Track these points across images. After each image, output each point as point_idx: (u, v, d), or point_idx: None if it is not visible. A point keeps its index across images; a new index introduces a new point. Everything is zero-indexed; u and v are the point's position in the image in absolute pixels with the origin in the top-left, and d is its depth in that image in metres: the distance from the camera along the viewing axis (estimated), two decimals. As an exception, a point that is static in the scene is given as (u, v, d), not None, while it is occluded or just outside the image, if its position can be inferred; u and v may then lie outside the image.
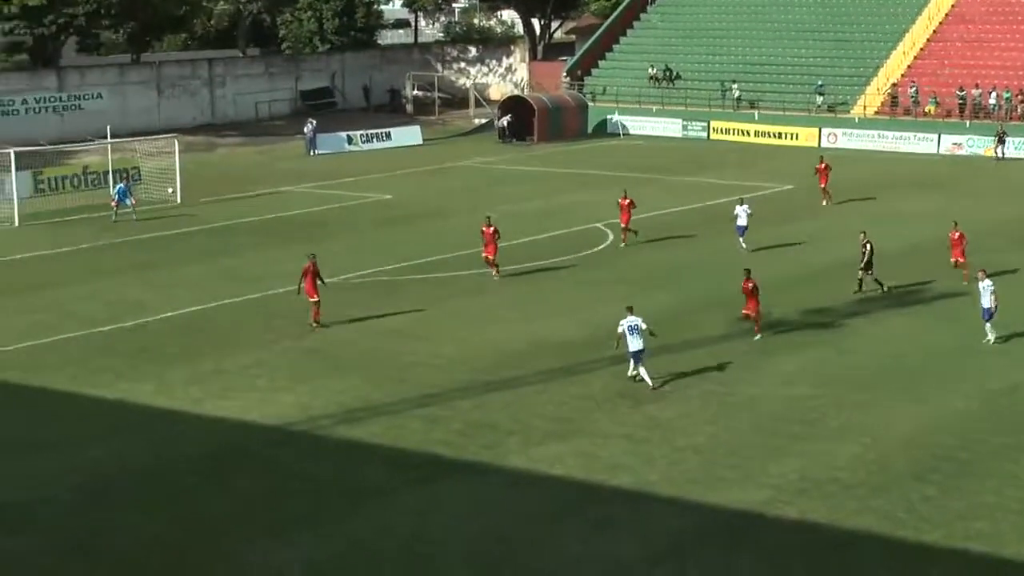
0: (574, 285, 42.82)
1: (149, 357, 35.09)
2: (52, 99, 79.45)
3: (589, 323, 37.81)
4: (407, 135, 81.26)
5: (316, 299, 37.49)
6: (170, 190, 59.56)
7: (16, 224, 54.20)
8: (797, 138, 78.30)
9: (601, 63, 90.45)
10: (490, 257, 43.15)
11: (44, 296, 42.00)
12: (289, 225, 54.19)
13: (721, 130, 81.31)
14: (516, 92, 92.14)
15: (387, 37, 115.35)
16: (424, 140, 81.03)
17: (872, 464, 27.11)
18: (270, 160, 74.23)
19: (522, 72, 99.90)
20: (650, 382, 31.89)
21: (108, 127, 64.18)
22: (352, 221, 55.03)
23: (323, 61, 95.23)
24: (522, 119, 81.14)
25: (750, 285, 35.93)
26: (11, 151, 56.11)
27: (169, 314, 39.50)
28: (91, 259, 47.77)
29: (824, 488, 25.84)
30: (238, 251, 48.42)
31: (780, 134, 79.09)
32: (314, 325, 37.43)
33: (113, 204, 54.89)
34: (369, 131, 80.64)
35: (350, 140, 78.94)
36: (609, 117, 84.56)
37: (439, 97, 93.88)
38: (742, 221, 47.27)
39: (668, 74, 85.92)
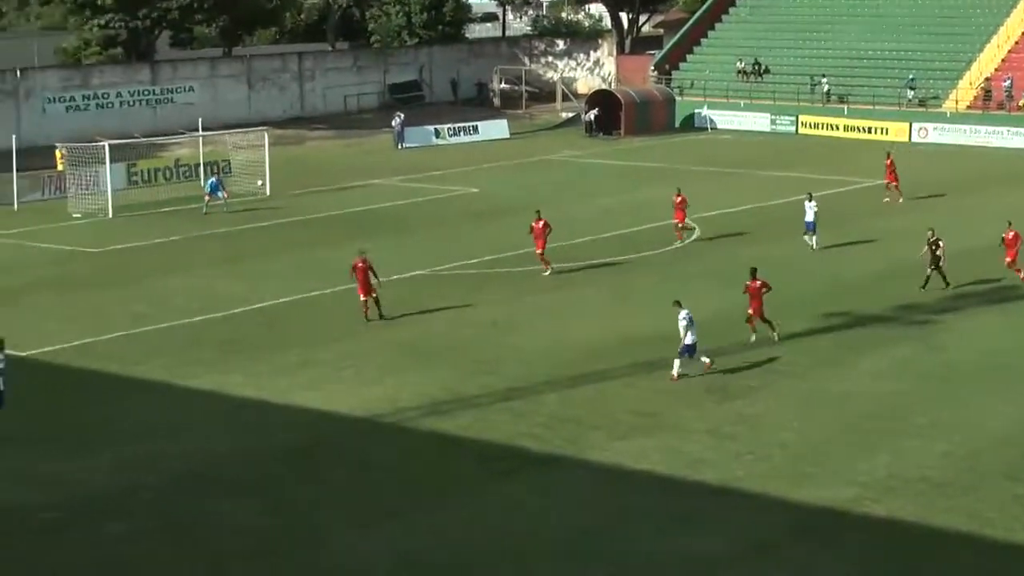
0: (661, 280, 42.75)
1: (238, 348, 35.54)
2: (146, 92, 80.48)
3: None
4: (494, 129, 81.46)
5: (365, 299, 37.48)
6: (260, 183, 60.19)
7: (110, 216, 55.04)
8: (887, 133, 77.49)
9: (689, 57, 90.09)
10: (540, 253, 42.88)
11: (138, 287, 42.64)
12: (377, 218, 54.57)
13: (810, 124, 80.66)
14: (603, 86, 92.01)
15: (475, 31, 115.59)
16: (511, 134, 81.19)
17: (962, 462, 26.85)
18: (358, 153, 74.75)
19: (610, 66, 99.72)
20: (675, 373, 32.01)
21: (200, 120, 64.99)
22: (439, 214, 55.29)
23: (411, 55, 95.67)
24: (609, 113, 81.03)
25: (756, 284, 34.97)
26: (105, 144, 57.01)
27: (258, 305, 39.96)
28: (183, 251, 48.42)
29: (913, 486, 25.64)
30: (327, 243, 48.83)
31: (870, 129, 78.32)
32: (374, 319, 37.52)
33: (205, 197, 55.60)
34: (456, 125, 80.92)
35: (437, 133, 79.28)
36: (696, 111, 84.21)
37: (526, 91, 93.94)
38: (809, 217, 46.51)
39: (756, 68, 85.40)
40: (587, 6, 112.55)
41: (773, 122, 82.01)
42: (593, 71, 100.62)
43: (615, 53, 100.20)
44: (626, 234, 49.47)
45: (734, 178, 63.66)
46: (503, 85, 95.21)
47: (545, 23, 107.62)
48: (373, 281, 37.61)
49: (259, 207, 56.94)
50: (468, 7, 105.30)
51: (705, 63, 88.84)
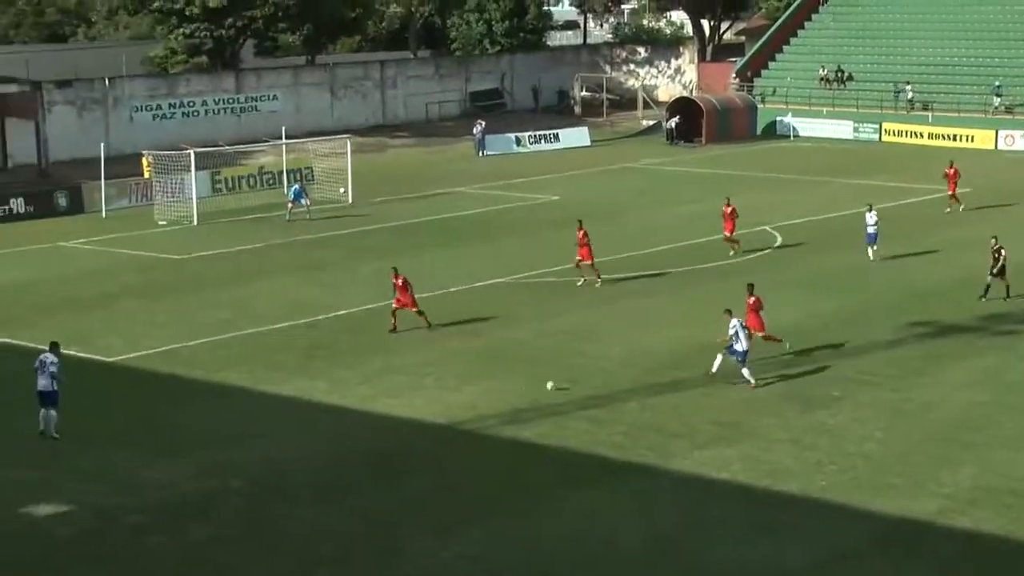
0: (742, 288, 42.48)
1: (321, 355, 35.84)
2: (230, 100, 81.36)
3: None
4: (575, 136, 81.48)
5: (399, 309, 37.47)
6: (342, 190, 60.64)
7: (195, 223, 55.69)
8: (973, 140, 76.64)
9: (771, 64, 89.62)
10: (585, 261, 42.62)
11: (223, 294, 43.13)
12: (458, 225, 54.80)
13: (893, 132, 79.94)
14: (685, 93, 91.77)
15: (556, 39, 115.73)
16: (592, 141, 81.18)
17: (1049, 475, 26.53)
18: (439, 161, 75.09)
19: (691, 73, 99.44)
20: (752, 381, 32.07)
21: (283, 128, 65.61)
22: (520, 222, 55.42)
23: (492, 62, 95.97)
24: (690, 121, 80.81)
25: (751, 301, 34.41)
26: (191, 152, 57.70)
27: (341, 312, 40.27)
28: (266, 258, 48.89)
29: (999, 498, 25.35)
30: (408, 251, 49.10)
31: (955, 136, 77.47)
32: (428, 326, 37.65)
33: (288, 204, 56.11)
34: (537, 132, 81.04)
35: (518, 141, 79.43)
36: (778, 119, 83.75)
37: (607, 98, 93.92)
38: (871, 229, 45.79)
39: (839, 75, 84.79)
40: (669, 13, 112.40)
41: (856, 130, 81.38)
42: (674, 78, 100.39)
43: (696, 60, 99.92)
44: (706, 242, 49.26)
45: (816, 186, 63.25)
46: (584, 93, 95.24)
47: (626, 30, 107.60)
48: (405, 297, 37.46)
49: (341, 214, 57.36)
50: (549, 15, 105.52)
51: (787, 70, 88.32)
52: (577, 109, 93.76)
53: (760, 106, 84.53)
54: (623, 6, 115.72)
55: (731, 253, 47.02)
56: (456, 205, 59.65)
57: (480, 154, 76.99)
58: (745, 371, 32.19)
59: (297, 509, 25.56)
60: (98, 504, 25.81)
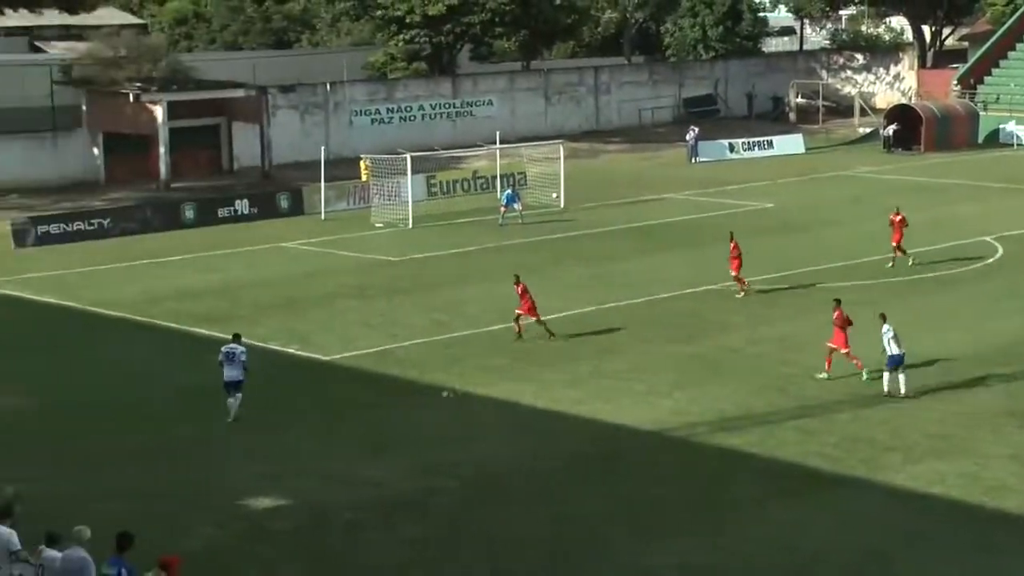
0: (963, 299, 41.64)
1: (532, 358, 36.18)
2: (447, 105, 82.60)
3: (977, 338, 36.77)
4: (789, 143, 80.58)
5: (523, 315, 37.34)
6: (554, 195, 61.06)
7: (410, 226, 56.71)
8: None
9: (994, 71, 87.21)
10: (736, 274, 42.27)
11: (436, 295, 43.86)
12: (670, 231, 54.72)
13: (1124, 140, 77.14)
14: (903, 100, 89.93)
15: (772, 45, 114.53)
16: (807, 149, 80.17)
17: None
18: (651, 167, 75.03)
19: (910, 80, 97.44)
20: (903, 390, 31.48)
21: (497, 133, 66.37)
22: (733, 229, 54.97)
23: (706, 69, 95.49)
24: (909, 128, 79.17)
25: (836, 315, 33.51)
26: (407, 156, 58.80)
27: (552, 316, 40.53)
28: (479, 261, 49.55)
29: None
30: (619, 256, 49.23)
31: None
32: (550, 335, 37.51)
33: (501, 208, 56.75)
34: (751, 139, 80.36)
35: (731, 148, 78.88)
36: (1001, 126, 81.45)
37: (823, 105, 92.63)
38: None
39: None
40: (888, 19, 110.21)
41: (1085, 138, 78.73)
42: (892, 85, 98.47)
43: (916, 66, 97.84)
44: (924, 252, 48.24)
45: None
46: (799, 99, 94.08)
47: (844, 36, 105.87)
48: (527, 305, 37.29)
49: (553, 219, 57.77)
50: (765, 21, 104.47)
51: (1011, 77, 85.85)
52: (792, 116, 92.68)
53: (982, 113, 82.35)
54: (841, 12, 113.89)
55: (889, 265, 45.80)
56: (667, 211, 59.55)
57: (692, 160, 76.69)
58: (901, 376, 31.72)
59: (505, 511, 25.88)
60: (314, 499, 26.52)
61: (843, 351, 33.31)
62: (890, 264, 45.93)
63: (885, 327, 32.04)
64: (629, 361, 35.61)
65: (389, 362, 36.14)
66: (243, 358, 30.84)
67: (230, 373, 30.77)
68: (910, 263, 45.81)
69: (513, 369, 35.11)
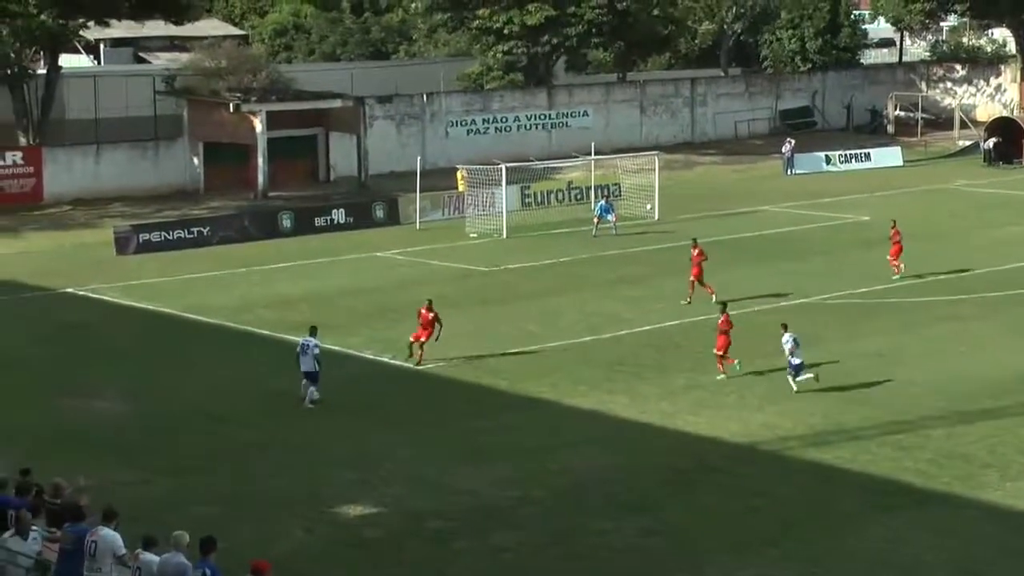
0: (1061, 316, 41.01)
1: (624, 370, 36.16)
2: (542, 116, 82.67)
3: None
4: (887, 156, 79.72)
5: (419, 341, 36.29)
6: (649, 206, 60.93)
7: (504, 236, 56.87)
8: None
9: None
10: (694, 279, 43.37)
11: (529, 306, 43.96)
12: (765, 244, 54.40)
13: None
14: (1004, 113, 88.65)
15: (870, 56, 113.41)
16: (905, 161, 79.29)
17: None
18: (747, 179, 74.63)
19: (1012, 93, 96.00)
20: (795, 388, 33.03)
21: (592, 144, 66.35)
22: (829, 242, 54.63)
23: (803, 80, 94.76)
24: (1011, 142, 78.00)
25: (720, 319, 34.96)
26: (502, 166, 58.99)
27: (645, 328, 40.53)
28: (572, 272, 49.57)
29: None
30: (712, 268, 48.95)
31: None
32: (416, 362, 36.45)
33: (595, 219, 56.75)
34: (848, 151, 79.61)
35: (828, 160, 78.19)
36: (1107, 140, 79.97)
37: (922, 118, 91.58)
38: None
39: None
40: (990, 31, 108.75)
41: None
42: (993, 97, 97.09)
43: (1019, 79, 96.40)
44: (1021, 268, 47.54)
45: None
46: (898, 111, 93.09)
47: (944, 48, 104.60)
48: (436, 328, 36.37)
49: (648, 231, 57.64)
50: (864, 32, 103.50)
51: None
52: (890, 128, 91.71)
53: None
54: (942, 23, 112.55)
55: (896, 276, 46.11)
56: (762, 223, 59.21)
57: (788, 172, 76.15)
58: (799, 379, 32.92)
59: (597, 521, 25.90)
60: (405, 507, 26.72)
61: (718, 352, 34.67)
62: (896, 275, 46.11)
63: (786, 336, 33.52)
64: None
65: (481, 371, 36.30)
66: (316, 351, 32.72)
67: (305, 365, 32.67)
68: (895, 276, 45.92)
69: (606, 380, 35.11)
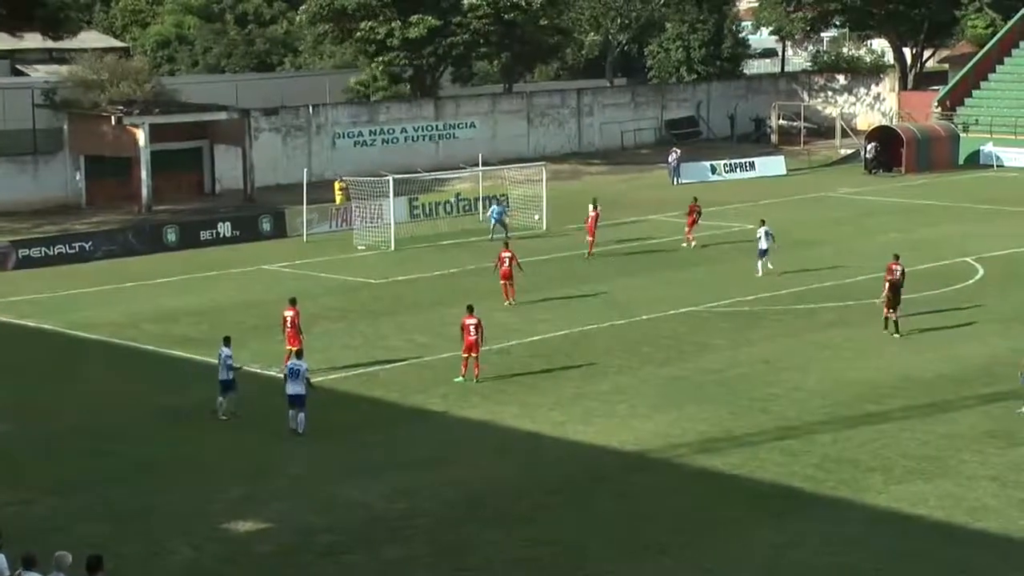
0: (943, 319, 41.72)
1: (514, 380, 36.16)
2: (429, 128, 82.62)
3: (958, 359, 36.88)
4: (771, 165, 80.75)
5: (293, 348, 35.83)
6: (536, 217, 61.10)
7: (392, 248, 56.68)
8: None
9: (975, 92, 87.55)
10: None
11: (419, 318, 43.81)
12: (653, 253, 54.77)
13: (1104, 162, 77.40)
14: (884, 122, 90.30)
15: (753, 67, 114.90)
16: (788, 170, 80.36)
17: None
18: (634, 189, 75.11)
19: (891, 102, 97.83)
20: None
21: (480, 155, 66.36)
22: (715, 250, 55.13)
23: (688, 91, 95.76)
24: (890, 150, 79.45)
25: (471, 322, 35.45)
26: (390, 178, 58.78)
27: (534, 338, 40.57)
28: (461, 283, 49.49)
29: None
30: (602, 278, 49.26)
31: None
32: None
33: (491, 226, 57.17)
34: (733, 161, 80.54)
35: (713, 169, 79.02)
36: (981, 148, 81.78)
37: (804, 127, 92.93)
38: (762, 244, 48.35)
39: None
40: (870, 41, 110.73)
41: (1064, 160, 79.00)
42: (873, 107, 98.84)
43: (897, 88, 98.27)
44: (908, 272, 48.31)
45: (1020, 217, 61.62)
46: (781, 121, 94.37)
47: (825, 58, 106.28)
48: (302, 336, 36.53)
49: (536, 241, 57.71)
50: (747, 43, 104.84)
51: (992, 99, 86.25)
52: (774, 138, 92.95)
53: (963, 135, 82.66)
54: (823, 34, 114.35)
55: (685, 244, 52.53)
56: (649, 232, 59.63)
57: (675, 182, 76.79)
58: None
59: (487, 533, 25.83)
60: (296, 522, 26.46)
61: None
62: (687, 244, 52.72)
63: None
64: (612, 383, 35.62)
65: (371, 384, 36.10)
66: (229, 361, 33.10)
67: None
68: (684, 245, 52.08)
69: (496, 391, 35.07)
